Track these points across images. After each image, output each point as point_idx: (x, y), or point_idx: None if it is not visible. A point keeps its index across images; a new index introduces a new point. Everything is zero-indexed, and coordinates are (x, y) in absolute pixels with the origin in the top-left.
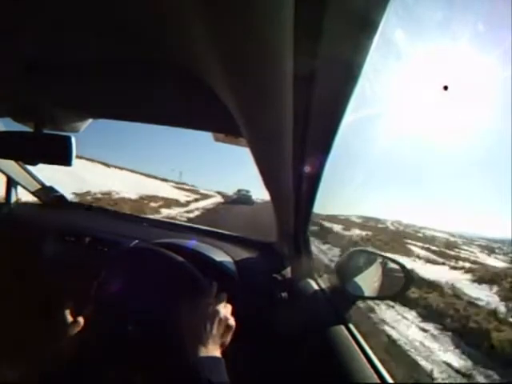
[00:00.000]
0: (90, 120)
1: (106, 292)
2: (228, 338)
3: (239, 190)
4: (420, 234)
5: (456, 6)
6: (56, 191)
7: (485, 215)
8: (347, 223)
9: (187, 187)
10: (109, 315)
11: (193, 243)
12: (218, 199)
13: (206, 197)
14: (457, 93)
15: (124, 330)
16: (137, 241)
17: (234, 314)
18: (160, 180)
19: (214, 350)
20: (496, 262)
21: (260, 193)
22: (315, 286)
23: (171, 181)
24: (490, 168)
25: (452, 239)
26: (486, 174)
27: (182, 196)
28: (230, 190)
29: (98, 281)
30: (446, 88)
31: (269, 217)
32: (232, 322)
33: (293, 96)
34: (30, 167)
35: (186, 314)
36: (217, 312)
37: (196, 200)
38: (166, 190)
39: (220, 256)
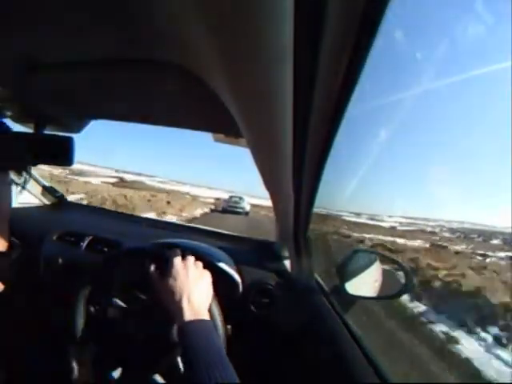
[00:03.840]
0: (91, 120)
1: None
2: (209, 297)
3: (231, 197)
4: None
5: (457, 5)
6: (56, 191)
7: None
8: None
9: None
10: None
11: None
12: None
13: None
14: (458, 88)
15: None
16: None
17: (234, 313)
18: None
19: (198, 313)
20: None
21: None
22: (315, 286)
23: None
24: None
25: None
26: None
27: None
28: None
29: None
30: None
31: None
32: (205, 273)
33: (293, 96)
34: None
35: (159, 283)
36: (187, 272)
37: None
38: None
39: (220, 256)
